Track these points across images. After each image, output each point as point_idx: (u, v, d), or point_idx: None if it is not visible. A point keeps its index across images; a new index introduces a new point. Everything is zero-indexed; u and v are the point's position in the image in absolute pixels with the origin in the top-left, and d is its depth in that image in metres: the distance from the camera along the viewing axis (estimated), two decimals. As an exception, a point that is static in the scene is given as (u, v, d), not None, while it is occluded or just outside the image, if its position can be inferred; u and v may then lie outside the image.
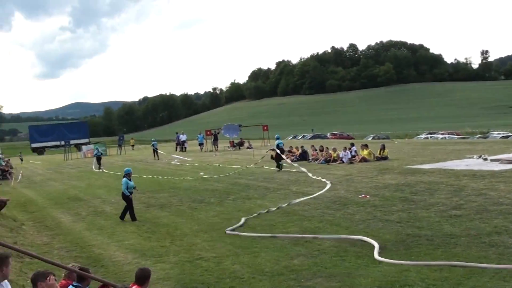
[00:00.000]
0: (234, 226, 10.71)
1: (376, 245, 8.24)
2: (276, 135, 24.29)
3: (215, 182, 18.75)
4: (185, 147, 41.78)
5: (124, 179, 12.85)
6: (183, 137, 42.71)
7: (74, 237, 11.36)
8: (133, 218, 12.70)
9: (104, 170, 28.00)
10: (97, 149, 34.26)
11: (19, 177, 28.54)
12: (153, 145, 35.90)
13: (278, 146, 21.37)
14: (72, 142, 55.97)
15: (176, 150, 41.14)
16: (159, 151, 35.43)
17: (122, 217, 12.91)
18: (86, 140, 64.30)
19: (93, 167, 30.76)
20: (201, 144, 41.55)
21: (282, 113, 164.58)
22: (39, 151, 64.50)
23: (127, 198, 12.82)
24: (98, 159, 31.25)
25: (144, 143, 72.34)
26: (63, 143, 53.68)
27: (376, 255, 7.80)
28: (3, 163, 32.75)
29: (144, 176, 22.70)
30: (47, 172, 31.62)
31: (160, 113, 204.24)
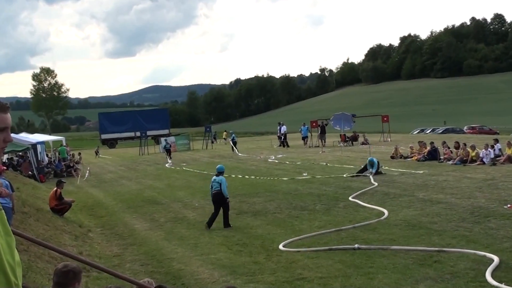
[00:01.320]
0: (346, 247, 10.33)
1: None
2: None
3: (322, 185, 18.69)
4: (285, 141, 40.60)
5: (221, 177, 13.14)
6: (283, 129, 42.07)
7: (150, 248, 11.54)
8: (227, 224, 12.95)
9: (184, 168, 29.36)
10: (165, 140, 38.19)
11: (86, 174, 29.22)
12: (232, 138, 38.92)
13: None
14: (149, 133, 55.84)
15: (280, 145, 40.75)
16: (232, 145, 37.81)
17: (209, 224, 13.04)
18: (166, 131, 65.30)
19: (167, 164, 31.99)
20: (304, 138, 41.06)
21: (406, 100, 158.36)
22: (110, 143, 66.68)
23: (224, 201, 13.06)
24: (168, 152, 34.44)
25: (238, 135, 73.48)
26: (138, 134, 54.46)
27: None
28: (68, 157, 34.26)
29: (234, 176, 22.81)
30: (119, 169, 32.22)
31: (255, 99, 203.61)
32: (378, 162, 20.97)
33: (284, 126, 42.04)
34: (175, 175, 25.96)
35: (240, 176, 22.43)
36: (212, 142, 50.64)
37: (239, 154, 35.36)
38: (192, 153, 40.93)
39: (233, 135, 40.37)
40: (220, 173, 13.21)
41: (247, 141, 54.45)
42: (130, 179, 25.97)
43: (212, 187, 13.24)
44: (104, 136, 68.25)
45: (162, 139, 45.72)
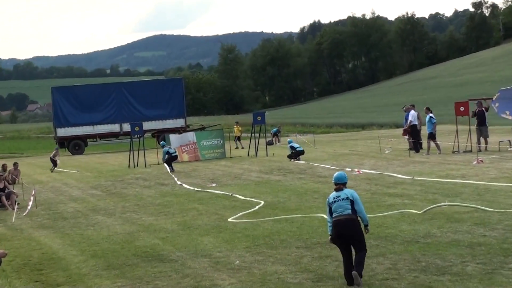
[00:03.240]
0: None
1: None
2: None
3: (475, 226, 17.88)
4: (416, 141, 37.81)
5: (349, 191, 13.66)
6: (412, 116, 38.09)
7: None
8: (358, 279, 13.08)
9: (214, 190, 29.35)
10: (166, 146, 39.86)
11: (30, 204, 27.92)
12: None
13: None
14: (147, 126, 56.28)
15: (411, 149, 38.68)
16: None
17: (350, 280, 13.12)
18: (180, 122, 66.27)
19: (176, 179, 33.91)
20: (432, 134, 37.15)
21: None
22: (74, 144, 64.75)
23: (361, 234, 13.44)
24: (169, 161, 37.16)
25: (312, 129, 73.13)
26: (127, 128, 56.25)
27: None
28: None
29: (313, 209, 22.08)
30: (90, 195, 31.45)
31: (348, 60, 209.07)
32: None
33: (413, 112, 38.49)
34: (195, 206, 25.14)
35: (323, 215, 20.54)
36: (271, 142, 52.87)
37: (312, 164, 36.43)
38: (228, 163, 41.57)
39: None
40: (341, 184, 13.56)
41: (335, 141, 57.94)
42: (112, 214, 25.03)
43: (333, 211, 13.46)
44: (62, 132, 65.15)
45: (171, 136, 45.33)
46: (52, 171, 43.96)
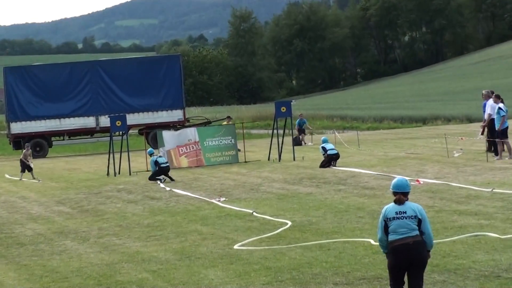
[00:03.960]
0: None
1: None
2: None
3: None
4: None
5: (413, 205, 13.79)
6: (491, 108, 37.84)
7: None
8: None
9: (221, 199, 30.31)
10: (151, 153, 40.29)
11: None
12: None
13: None
14: (132, 120, 57.66)
15: (490, 150, 38.93)
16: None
17: None
18: (176, 114, 66.88)
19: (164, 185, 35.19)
20: (505, 130, 37.43)
21: None
22: (34, 145, 63.85)
23: (425, 259, 13.68)
24: (158, 175, 37.75)
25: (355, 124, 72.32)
26: (105, 122, 57.17)
27: None
28: None
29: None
30: (57, 212, 31.85)
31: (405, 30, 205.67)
32: None
33: (492, 102, 38.01)
34: (197, 227, 25.35)
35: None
36: (298, 140, 53.50)
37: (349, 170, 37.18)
38: (242, 169, 41.95)
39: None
40: (403, 194, 13.59)
41: (386, 140, 58.85)
42: (85, 238, 24.97)
43: (392, 231, 13.51)
44: (17, 127, 65.62)
45: (165, 133, 45.43)
46: (21, 179, 44.09)
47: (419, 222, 13.52)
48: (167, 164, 39.40)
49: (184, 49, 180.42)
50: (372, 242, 20.07)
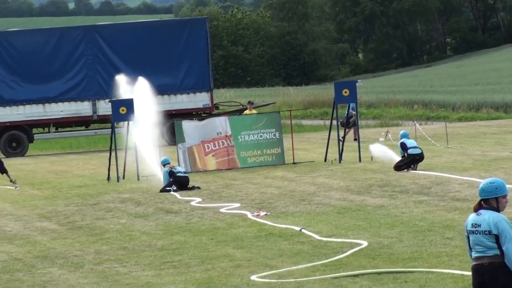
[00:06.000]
0: None
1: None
2: None
3: None
4: None
5: (490, 214, 13.74)
6: None
7: None
8: None
9: (262, 214, 30.68)
10: (165, 163, 40.65)
11: None
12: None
13: None
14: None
15: None
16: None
17: None
18: (202, 99, 68.57)
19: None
20: None
21: None
22: (9, 139, 65.93)
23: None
24: (170, 184, 38.66)
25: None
26: (105, 108, 58.29)
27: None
28: None
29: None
30: (40, 229, 32.46)
31: None
32: None
33: None
34: (229, 251, 25.59)
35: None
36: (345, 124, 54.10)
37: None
38: (290, 173, 42.44)
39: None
40: (487, 200, 13.66)
41: (484, 134, 59.68)
42: (78, 264, 25.32)
43: (471, 246, 13.81)
44: None
45: (185, 124, 45.91)
46: None
47: (497, 238, 13.63)
48: (186, 175, 39.57)
49: (212, 10, 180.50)
50: (466, 273, 19.91)
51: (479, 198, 13.79)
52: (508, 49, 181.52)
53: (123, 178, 43.10)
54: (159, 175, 40.46)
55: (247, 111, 58.40)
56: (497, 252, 13.45)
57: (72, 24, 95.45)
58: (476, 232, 13.65)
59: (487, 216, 13.55)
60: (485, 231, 13.51)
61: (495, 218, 13.53)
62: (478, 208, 13.63)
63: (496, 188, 13.71)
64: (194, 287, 21.37)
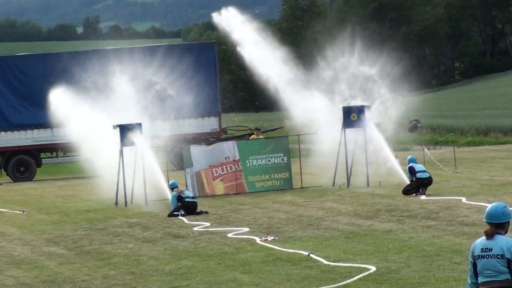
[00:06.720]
0: None
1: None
2: None
3: None
4: None
5: (499, 239, 13.71)
6: None
7: None
8: None
9: (270, 238, 30.63)
10: (173, 186, 40.56)
11: None
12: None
13: None
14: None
15: None
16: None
17: None
18: (210, 123, 69.00)
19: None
20: None
21: None
22: (17, 163, 65.73)
23: None
24: (178, 208, 38.66)
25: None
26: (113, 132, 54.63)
27: None
28: None
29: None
30: (47, 254, 32.25)
31: None
32: None
33: None
34: (237, 276, 25.55)
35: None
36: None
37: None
38: (298, 198, 42.24)
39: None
40: (496, 226, 13.67)
41: (493, 159, 59.85)
42: None
43: (479, 272, 13.81)
44: None
45: (194, 149, 46.08)
46: None
47: (509, 263, 13.54)
48: (194, 200, 39.33)
49: (220, 35, 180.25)
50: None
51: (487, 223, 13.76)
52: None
53: (131, 202, 42.86)
54: (168, 196, 40.24)
55: (253, 136, 57.57)
56: (508, 276, 13.42)
57: (80, 49, 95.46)
58: (487, 256, 13.56)
59: (500, 240, 13.56)
60: (498, 255, 13.47)
61: (509, 242, 13.56)
62: (493, 233, 13.56)
63: (503, 214, 13.74)
64: None
